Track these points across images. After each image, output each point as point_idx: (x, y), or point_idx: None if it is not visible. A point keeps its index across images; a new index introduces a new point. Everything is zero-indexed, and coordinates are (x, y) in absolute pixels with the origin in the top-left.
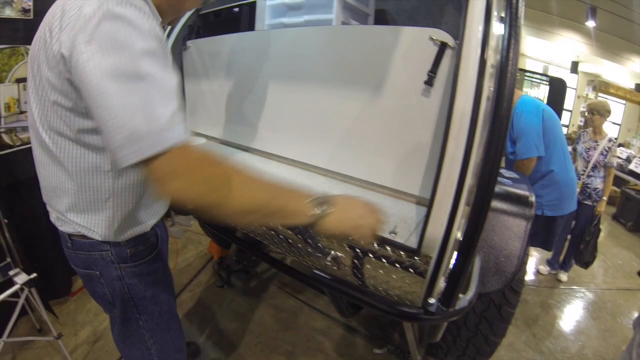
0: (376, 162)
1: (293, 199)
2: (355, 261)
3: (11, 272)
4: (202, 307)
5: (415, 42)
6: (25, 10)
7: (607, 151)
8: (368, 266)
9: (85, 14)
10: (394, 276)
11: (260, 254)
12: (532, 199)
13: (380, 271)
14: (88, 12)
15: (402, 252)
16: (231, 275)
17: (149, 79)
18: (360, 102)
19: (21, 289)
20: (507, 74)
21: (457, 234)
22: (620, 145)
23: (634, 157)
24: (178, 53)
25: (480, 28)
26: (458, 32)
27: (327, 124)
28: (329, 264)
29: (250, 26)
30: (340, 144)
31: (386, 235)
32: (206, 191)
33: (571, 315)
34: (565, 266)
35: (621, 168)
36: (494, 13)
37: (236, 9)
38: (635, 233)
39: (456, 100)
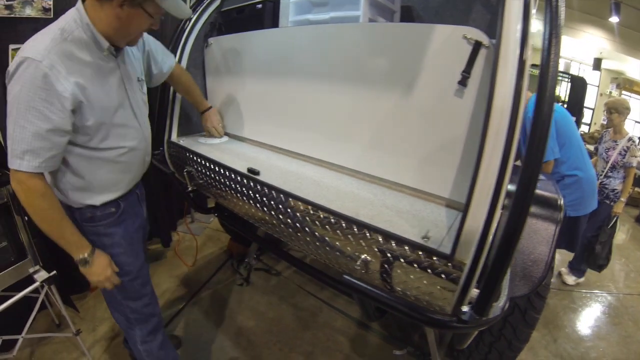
0: (405, 164)
1: (71, 247)
2: (385, 266)
3: (31, 270)
4: (221, 305)
5: (447, 41)
6: (45, 10)
7: (625, 151)
8: (398, 271)
9: (14, 61)
10: (425, 282)
11: (280, 253)
12: (561, 201)
13: (411, 276)
14: (14, 62)
15: (434, 258)
16: (251, 274)
17: (20, 125)
18: (389, 102)
19: (41, 286)
20: (549, 75)
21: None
22: None
23: None
24: (199, 50)
25: (519, 27)
26: (487, 30)
27: (354, 123)
28: (358, 267)
29: (274, 23)
30: (368, 144)
31: (419, 240)
32: (24, 203)
33: (592, 320)
34: (574, 270)
35: None
36: (532, 11)
37: (259, 5)
38: None
39: (494, 101)
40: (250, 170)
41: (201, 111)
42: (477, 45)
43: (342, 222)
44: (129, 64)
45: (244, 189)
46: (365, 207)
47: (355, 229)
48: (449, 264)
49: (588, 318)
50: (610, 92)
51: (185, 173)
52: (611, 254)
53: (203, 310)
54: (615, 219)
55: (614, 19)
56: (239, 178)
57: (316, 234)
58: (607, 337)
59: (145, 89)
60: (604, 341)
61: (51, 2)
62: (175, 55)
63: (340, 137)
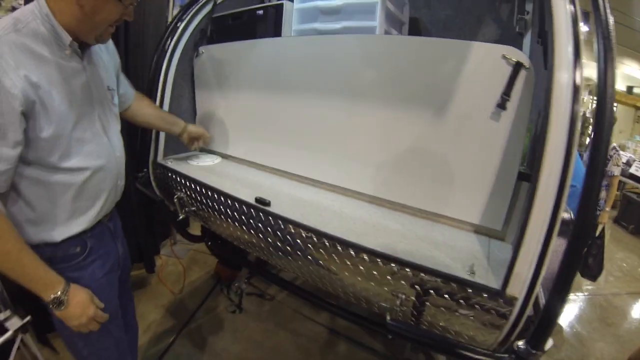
0: (431, 189)
1: (38, 285)
2: (428, 303)
3: (1, 316)
4: (214, 336)
5: (484, 59)
6: (15, 10)
7: (608, 160)
8: (442, 308)
9: None
10: (471, 318)
11: (275, 279)
12: (572, 215)
13: (456, 313)
14: None
15: (483, 293)
16: (243, 299)
17: None
18: (414, 122)
19: (14, 334)
20: (606, 99)
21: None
22: None
23: (634, 160)
24: (188, 60)
25: (570, 49)
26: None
27: (373, 145)
28: (397, 308)
29: (276, 32)
30: (389, 168)
31: (465, 276)
32: None
33: (586, 322)
34: None
35: (621, 172)
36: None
37: (260, 12)
38: (637, 236)
39: (550, 128)
40: (258, 200)
41: (180, 131)
42: (518, 67)
43: (379, 260)
44: (99, 67)
45: (250, 221)
46: (399, 240)
47: (395, 268)
48: (499, 300)
49: (583, 321)
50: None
51: (175, 200)
52: (603, 262)
53: (195, 344)
54: (602, 227)
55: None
56: (244, 208)
57: (346, 273)
58: (604, 339)
59: (116, 100)
60: (601, 342)
61: (22, 2)
62: (162, 65)
63: (357, 160)
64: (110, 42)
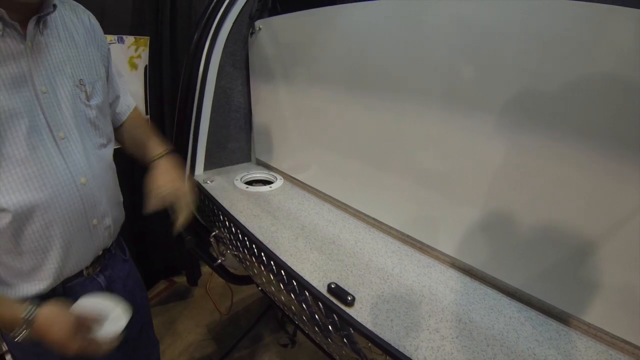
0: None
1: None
2: None
3: None
4: None
5: None
6: None
7: None
8: None
9: None
10: None
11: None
12: None
13: None
14: None
15: None
16: (298, 330)
17: None
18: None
19: None
20: None
21: None
22: None
23: None
24: (241, 41)
25: None
26: None
27: (509, 187)
28: None
29: None
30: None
31: None
32: None
33: None
34: None
35: None
36: None
37: None
38: None
39: None
40: (334, 291)
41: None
42: None
43: None
44: (64, 51)
45: (316, 317)
46: None
47: None
48: None
49: None
50: None
51: (212, 239)
52: None
53: None
54: None
55: None
56: (309, 298)
57: None
58: None
59: (95, 100)
60: None
61: None
62: (203, 48)
63: (483, 211)
64: (96, 23)
